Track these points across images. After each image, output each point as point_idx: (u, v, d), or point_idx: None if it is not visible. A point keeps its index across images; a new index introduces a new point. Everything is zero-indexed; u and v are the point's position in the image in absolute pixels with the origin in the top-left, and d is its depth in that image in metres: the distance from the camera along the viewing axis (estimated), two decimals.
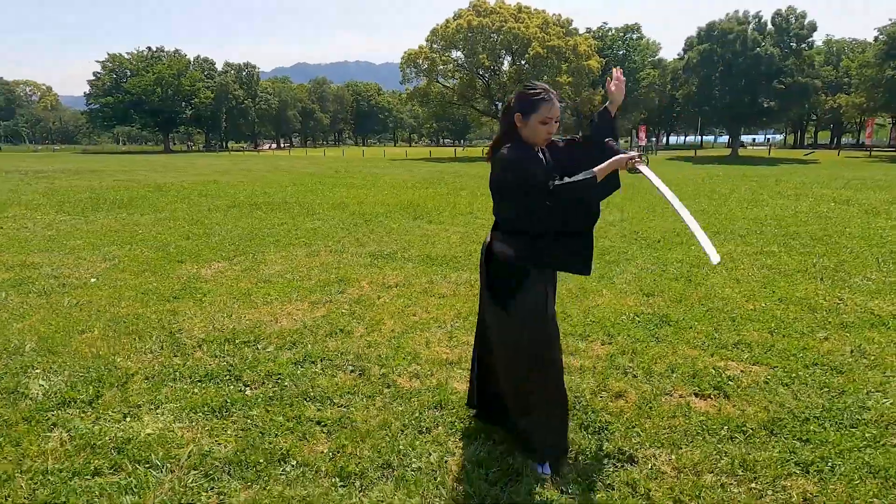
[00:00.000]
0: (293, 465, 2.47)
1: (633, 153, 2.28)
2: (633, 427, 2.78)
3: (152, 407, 3.02)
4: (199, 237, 8.08)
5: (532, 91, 2.34)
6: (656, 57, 56.78)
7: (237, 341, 3.96)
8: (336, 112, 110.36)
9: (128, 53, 71.55)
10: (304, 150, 77.31)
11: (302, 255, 6.88)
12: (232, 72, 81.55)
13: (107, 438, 2.67)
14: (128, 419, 2.88)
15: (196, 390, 3.21)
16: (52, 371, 3.46)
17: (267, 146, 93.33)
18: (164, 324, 4.34)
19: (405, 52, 47.02)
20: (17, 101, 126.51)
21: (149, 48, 73.83)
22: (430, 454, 2.55)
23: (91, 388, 3.22)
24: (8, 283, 5.54)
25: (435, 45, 46.68)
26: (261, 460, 2.48)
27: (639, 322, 4.37)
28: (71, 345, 3.87)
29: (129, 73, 69.63)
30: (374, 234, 8.32)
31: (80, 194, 13.55)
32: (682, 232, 8.38)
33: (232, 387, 3.26)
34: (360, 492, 2.32)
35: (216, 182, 18.10)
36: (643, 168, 2.19)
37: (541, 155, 2.48)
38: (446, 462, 2.49)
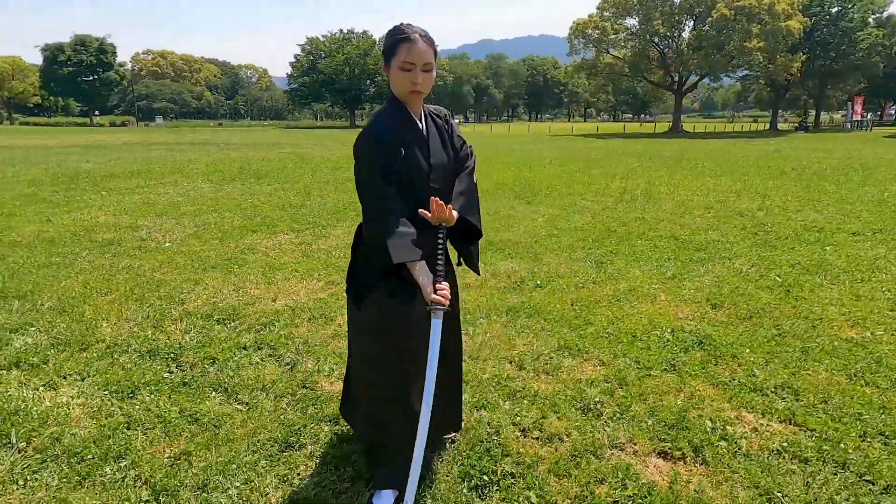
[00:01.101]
0: (122, 467, 2.25)
1: (438, 301, 1.79)
2: (532, 488, 2.10)
3: (77, 378, 3.04)
4: (294, 208, 8.39)
5: (396, 31, 1.83)
6: (883, 14, 46.52)
7: (215, 318, 3.90)
8: (510, 88, 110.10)
9: (323, 36, 78.52)
10: (472, 125, 78.37)
11: None
12: None
13: (3, 407, 2.72)
14: (42, 389, 2.92)
15: (129, 366, 3.17)
16: (42, 329, 3.69)
17: None
18: (175, 293, 4.45)
19: (574, 22, 44.72)
20: (239, 83, 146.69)
21: (340, 30, 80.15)
22: (262, 479, 2.17)
23: (50, 351, 3.35)
24: (101, 242, 6.19)
25: (606, 13, 43.65)
26: (93, 455, 2.31)
27: (667, 341, 3.45)
28: (82, 307, 4.12)
29: (322, 55, 76.45)
30: None
31: (234, 164, 15.05)
32: (825, 228, 6.67)
33: (161, 367, 3.16)
34: None
35: None
36: (435, 319, 1.79)
37: (421, 122, 1.94)
38: (267, 494, 2.09)
